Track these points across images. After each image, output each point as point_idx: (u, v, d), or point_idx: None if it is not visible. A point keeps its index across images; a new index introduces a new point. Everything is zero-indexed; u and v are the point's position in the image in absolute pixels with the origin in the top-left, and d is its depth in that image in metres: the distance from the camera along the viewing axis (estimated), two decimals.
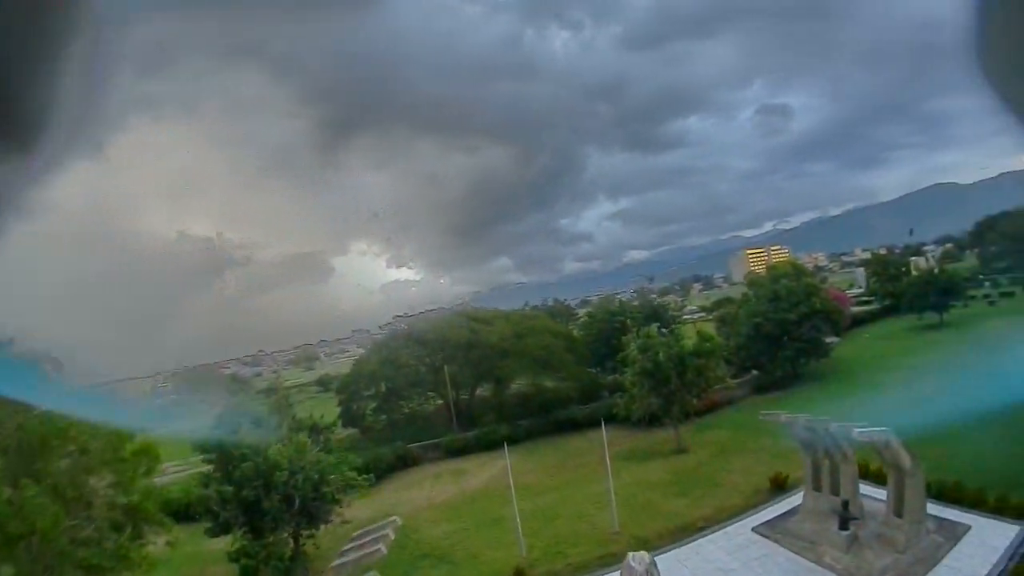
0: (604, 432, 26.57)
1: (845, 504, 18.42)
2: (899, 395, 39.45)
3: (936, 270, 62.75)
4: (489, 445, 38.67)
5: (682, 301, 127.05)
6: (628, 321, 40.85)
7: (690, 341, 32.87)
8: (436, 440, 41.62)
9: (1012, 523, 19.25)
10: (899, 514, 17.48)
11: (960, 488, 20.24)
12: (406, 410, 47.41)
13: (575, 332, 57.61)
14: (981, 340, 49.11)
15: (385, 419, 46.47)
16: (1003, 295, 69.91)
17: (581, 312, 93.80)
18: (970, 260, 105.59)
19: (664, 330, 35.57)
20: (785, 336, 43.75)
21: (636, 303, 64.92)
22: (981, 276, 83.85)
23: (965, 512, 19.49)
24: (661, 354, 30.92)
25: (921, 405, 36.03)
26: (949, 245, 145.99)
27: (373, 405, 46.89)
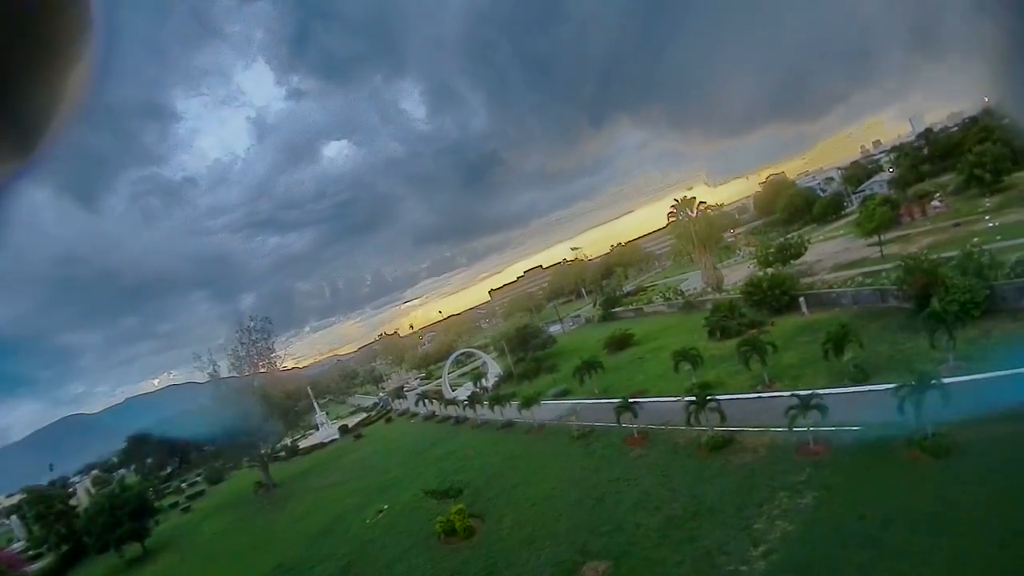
0: None
1: None
2: None
3: (117, 489, 53.83)
4: None
5: None
6: None
7: None
8: None
9: None
10: None
11: None
12: None
13: None
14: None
15: None
16: (191, 497, 70.56)
17: None
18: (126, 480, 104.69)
19: None
20: None
21: None
22: (151, 489, 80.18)
23: None
24: None
25: None
26: (95, 472, 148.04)
27: None
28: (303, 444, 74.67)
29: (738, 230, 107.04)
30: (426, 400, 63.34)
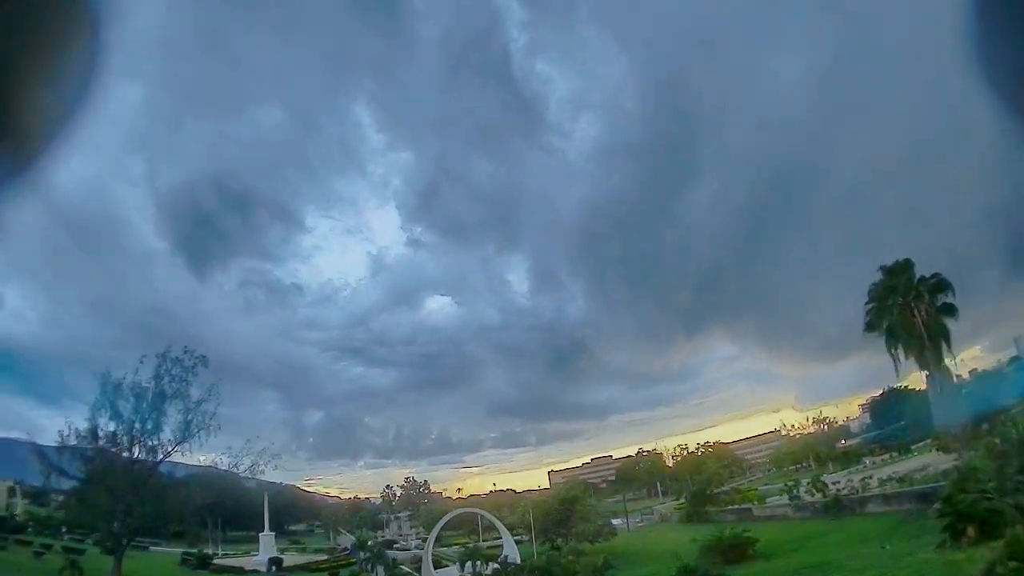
0: None
1: None
2: None
3: None
4: None
5: None
6: None
7: None
8: None
9: None
10: None
11: None
12: None
13: None
14: None
15: None
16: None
17: None
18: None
19: None
20: None
21: None
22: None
23: None
24: None
25: None
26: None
27: None
28: (223, 560, 59.45)
29: (851, 441, 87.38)
30: (378, 566, 40.40)
